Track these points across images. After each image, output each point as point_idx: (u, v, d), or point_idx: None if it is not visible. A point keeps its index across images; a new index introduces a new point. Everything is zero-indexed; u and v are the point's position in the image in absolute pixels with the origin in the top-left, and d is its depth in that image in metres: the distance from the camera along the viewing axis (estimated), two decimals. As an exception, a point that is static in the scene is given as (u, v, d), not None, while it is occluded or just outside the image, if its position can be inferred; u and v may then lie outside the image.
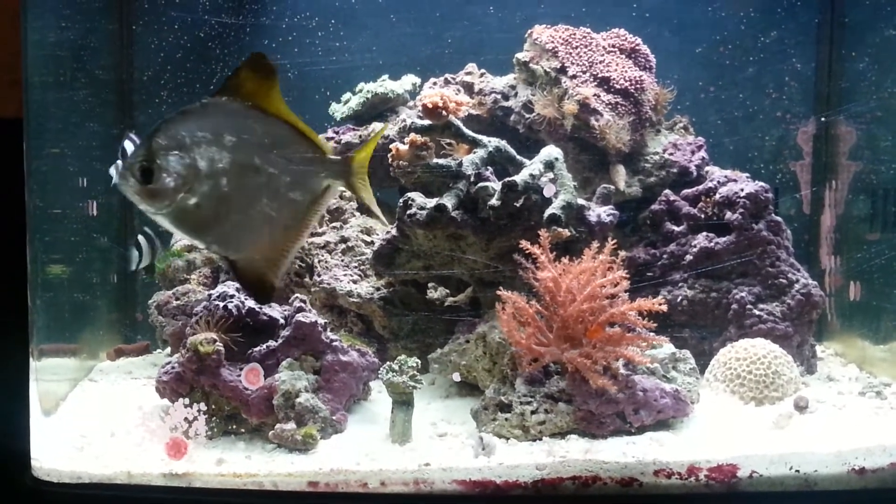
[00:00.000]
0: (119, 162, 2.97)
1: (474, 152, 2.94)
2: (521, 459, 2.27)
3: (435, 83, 3.59)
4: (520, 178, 2.79)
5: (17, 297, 2.42)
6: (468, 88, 3.54)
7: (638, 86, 3.28)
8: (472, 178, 2.89)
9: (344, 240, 3.32)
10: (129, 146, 2.99)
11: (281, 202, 1.82)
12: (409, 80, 3.65)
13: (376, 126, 3.52)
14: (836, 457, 2.21)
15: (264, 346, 2.65)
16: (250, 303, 2.71)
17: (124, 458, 2.33)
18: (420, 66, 3.69)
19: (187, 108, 1.79)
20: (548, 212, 2.72)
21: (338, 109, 3.66)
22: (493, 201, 2.79)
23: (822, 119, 3.59)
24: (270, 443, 2.46)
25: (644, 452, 2.29)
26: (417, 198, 2.88)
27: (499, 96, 3.45)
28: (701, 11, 3.67)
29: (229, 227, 1.80)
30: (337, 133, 3.58)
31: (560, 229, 2.69)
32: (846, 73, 3.54)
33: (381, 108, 3.62)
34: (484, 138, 2.96)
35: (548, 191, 2.80)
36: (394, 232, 3.01)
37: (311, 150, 1.84)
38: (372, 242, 3.29)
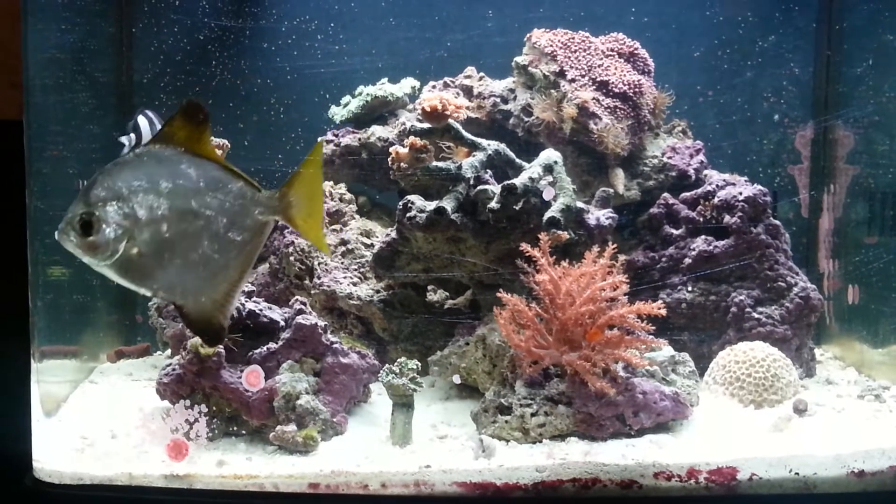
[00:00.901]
0: (132, 135, 2.98)
1: (474, 155, 2.95)
2: (521, 461, 2.28)
3: (434, 86, 3.59)
4: (519, 181, 2.80)
5: (18, 298, 2.42)
6: (467, 92, 3.54)
7: (637, 89, 3.29)
8: (471, 181, 2.90)
9: (344, 242, 3.32)
10: (142, 122, 2.99)
11: (221, 243, 1.85)
12: (408, 84, 3.65)
13: (376, 129, 3.53)
14: (835, 460, 2.22)
15: (265, 348, 2.65)
16: (251, 304, 2.72)
17: (125, 459, 2.33)
18: (419, 69, 3.69)
19: (122, 158, 1.84)
20: (547, 215, 2.73)
21: (337, 112, 3.66)
22: (493, 204, 2.80)
23: (821, 123, 3.60)
24: (271, 444, 2.46)
25: (644, 455, 2.29)
26: (417, 200, 2.89)
27: (498, 100, 3.46)
28: (699, 16, 3.68)
29: (173, 272, 1.83)
30: (336, 136, 3.58)
31: (559, 232, 2.69)
32: (844, 78, 3.55)
33: (380, 111, 3.63)
34: (483, 141, 2.97)
35: (547, 194, 2.81)
36: (393, 234, 3.02)
37: (245, 188, 1.87)
38: (372, 245, 3.29)
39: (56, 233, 1.81)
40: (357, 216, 3.48)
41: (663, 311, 2.46)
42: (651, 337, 2.54)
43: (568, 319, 2.48)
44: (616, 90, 3.27)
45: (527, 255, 2.55)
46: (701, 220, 3.19)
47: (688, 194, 3.27)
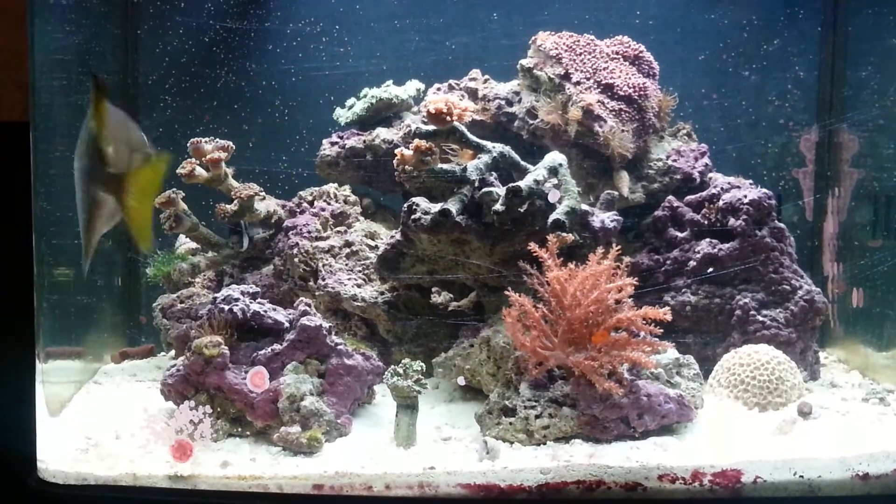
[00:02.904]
0: None
1: (479, 158, 2.95)
2: (525, 464, 2.28)
3: (439, 89, 3.60)
4: (524, 183, 2.80)
5: (23, 299, 2.43)
6: (472, 94, 3.55)
7: (641, 92, 3.29)
8: (476, 184, 2.90)
9: (348, 244, 3.33)
10: None
11: (83, 197, 2.03)
12: (413, 86, 3.65)
13: (380, 131, 3.53)
14: (839, 462, 2.22)
15: (269, 349, 2.66)
16: (255, 306, 2.72)
17: (129, 460, 2.33)
18: (424, 71, 3.69)
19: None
20: (552, 217, 2.73)
21: (342, 114, 3.67)
22: (498, 206, 2.80)
23: (825, 127, 3.59)
24: (275, 445, 2.46)
25: (648, 457, 2.29)
26: (422, 203, 2.89)
27: (503, 102, 3.47)
28: (704, 19, 3.68)
29: (76, 207, 2.06)
30: (341, 138, 3.59)
31: (564, 235, 2.69)
32: (849, 81, 3.54)
33: (385, 114, 3.63)
34: (488, 144, 2.97)
35: (552, 196, 2.81)
36: (398, 236, 3.02)
37: (95, 161, 2.00)
38: (376, 247, 3.30)
39: None
40: (361, 218, 3.49)
41: (669, 317, 2.46)
42: (656, 339, 2.54)
43: (574, 320, 2.48)
44: (621, 93, 3.27)
45: (534, 255, 2.55)
46: (705, 222, 3.19)
47: (692, 197, 3.26)
